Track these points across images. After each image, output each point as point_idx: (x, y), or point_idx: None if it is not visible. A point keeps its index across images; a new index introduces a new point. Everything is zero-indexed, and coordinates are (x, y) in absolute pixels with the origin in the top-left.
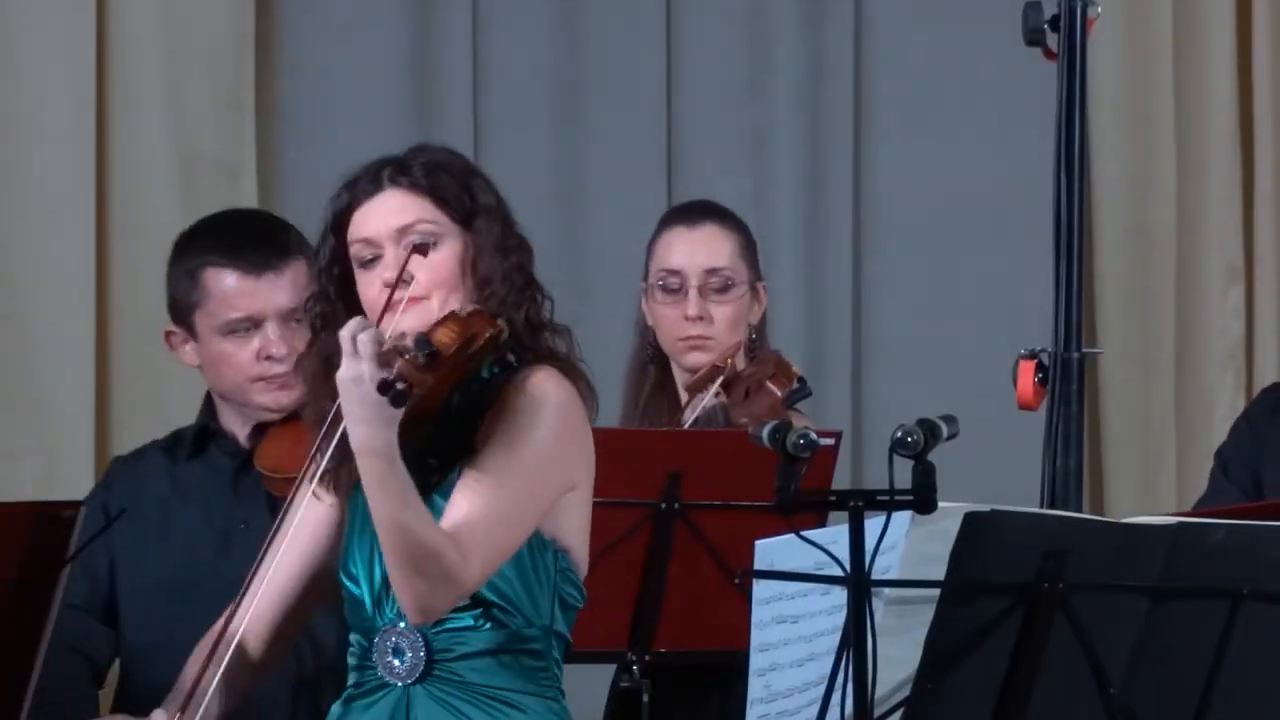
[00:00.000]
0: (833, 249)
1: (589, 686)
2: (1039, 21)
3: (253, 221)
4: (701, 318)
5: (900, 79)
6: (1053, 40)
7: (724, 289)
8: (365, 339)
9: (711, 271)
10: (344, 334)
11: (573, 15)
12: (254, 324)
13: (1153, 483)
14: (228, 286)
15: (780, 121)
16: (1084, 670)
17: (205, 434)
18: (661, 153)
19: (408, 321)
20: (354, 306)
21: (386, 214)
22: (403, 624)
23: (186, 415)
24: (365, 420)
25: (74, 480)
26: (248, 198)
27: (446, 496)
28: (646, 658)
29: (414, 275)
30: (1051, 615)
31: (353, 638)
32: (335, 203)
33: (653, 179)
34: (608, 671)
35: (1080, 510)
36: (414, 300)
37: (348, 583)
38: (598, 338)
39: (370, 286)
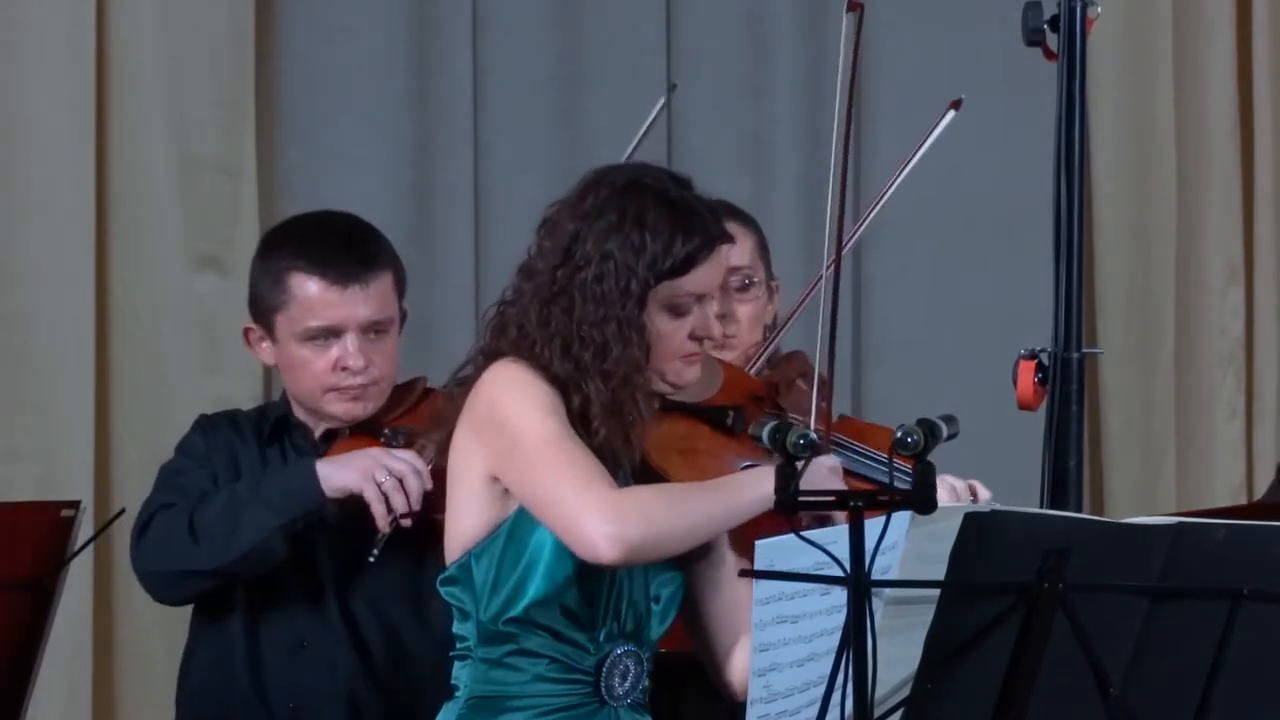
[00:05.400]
0: (832, 249)
1: None
2: (1039, 21)
3: (344, 229)
4: (724, 316)
5: (900, 79)
6: (1053, 40)
7: (745, 287)
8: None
9: (733, 270)
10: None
11: (573, 15)
12: (334, 334)
13: (1153, 483)
14: (312, 294)
15: (780, 121)
16: (1084, 670)
17: (284, 423)
18: (661, 152)
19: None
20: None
21: (722, 270)
22: (630, 647)
23: (186, 415)
24: None
25: (74, 480)
26: (248, 198)
27: None
28: None
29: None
30: (1051, 615)
31: (557, 650)
32: (685, 247)
33: None
34: None
35: (1080, 510)
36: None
37: (580, 601)
38: None
39: (681, 331)
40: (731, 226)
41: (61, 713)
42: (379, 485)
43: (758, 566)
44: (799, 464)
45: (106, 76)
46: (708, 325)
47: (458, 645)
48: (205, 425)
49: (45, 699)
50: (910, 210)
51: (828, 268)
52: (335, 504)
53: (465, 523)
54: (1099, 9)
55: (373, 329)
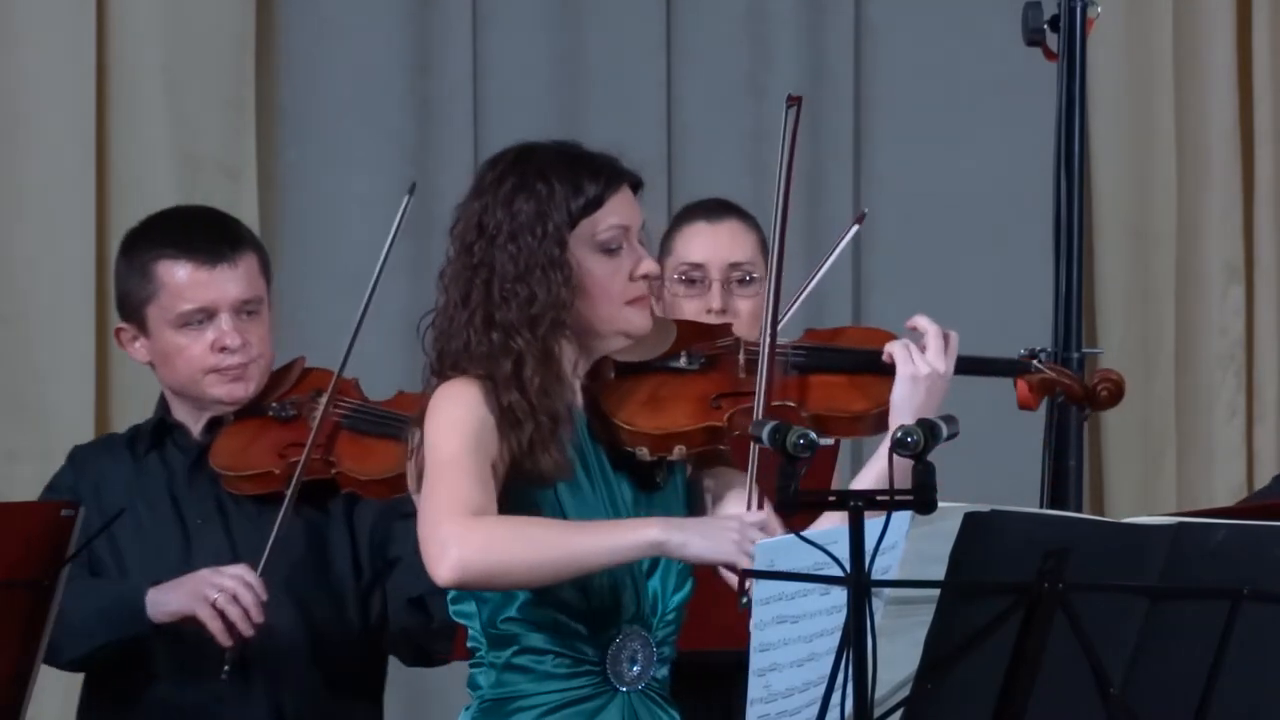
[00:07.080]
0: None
1: None
2: (1039, 21)
3: (202, 215)
4: (725, 310)
5: (900, 79)
6: (1053, 40)
7: (746, 282)
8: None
9: (735, 265)
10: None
11: (573, 15)
12: (208, 315)
13: (1153, 483)
14: (181, 278)
15: (780, 121)
16: (1084, 670)
17: (163, 428)
18: (661, 153)
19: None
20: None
21: (636, 208)
22: (634, 628)
23: None
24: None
25: None
26: (248, 198)
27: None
28: None
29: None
30: (1051, 615)
31: (560, 644)
32: (593, 186)
33: (653, 179)
34: None
35: (1080, 510)
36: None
37: (574, 592)
38: None
39: (619, 273)
40: (733, 223)
41: (61, 712)
42: (211, 603)
43: (758, 566)
44: (799, 463)
45: (106, 76)
46: (642, 261)
47: (475, 654)
48: (75, 457)
49: (45, 699)
50: (910, 210)
51: (766, 331)
52: (174, 625)
53: None
54: (1099, 9)
55: (244, 308)
